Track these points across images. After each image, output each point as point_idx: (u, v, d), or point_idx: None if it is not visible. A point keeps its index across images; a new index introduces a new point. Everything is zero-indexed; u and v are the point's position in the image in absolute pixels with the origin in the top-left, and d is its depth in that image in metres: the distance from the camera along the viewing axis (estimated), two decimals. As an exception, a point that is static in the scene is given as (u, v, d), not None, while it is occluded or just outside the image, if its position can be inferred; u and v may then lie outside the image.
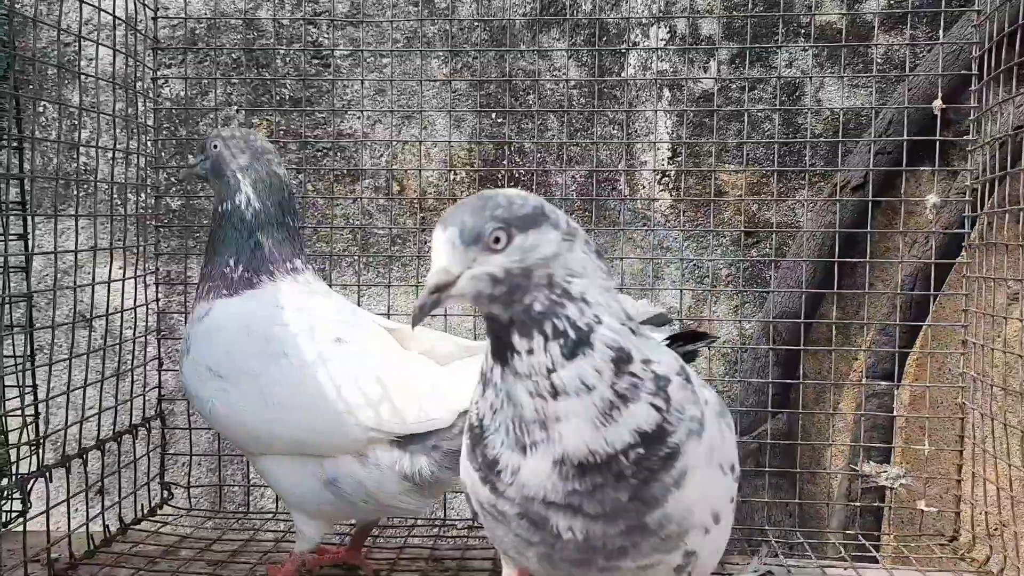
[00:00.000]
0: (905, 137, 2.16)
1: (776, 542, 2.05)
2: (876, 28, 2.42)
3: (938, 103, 2.09)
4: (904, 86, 2.31)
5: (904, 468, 2.15)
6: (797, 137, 2.43)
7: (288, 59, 2.57)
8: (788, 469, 2.31)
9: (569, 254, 1.00)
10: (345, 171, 2.55)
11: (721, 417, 1.13)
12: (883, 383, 2.30)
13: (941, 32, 2.24)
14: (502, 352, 1.01)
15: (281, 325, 1.62)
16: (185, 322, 2.44)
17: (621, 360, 0.99)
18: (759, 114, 2.44)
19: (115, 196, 2.10)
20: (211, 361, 1.64)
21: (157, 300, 2.29)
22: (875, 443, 2.28)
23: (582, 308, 0.99)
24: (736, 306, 2.48)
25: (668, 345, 1.37)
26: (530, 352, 0.98)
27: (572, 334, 0.98)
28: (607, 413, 0.98)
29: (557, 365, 0.97)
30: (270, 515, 2.21)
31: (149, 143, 2.50)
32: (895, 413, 2.27)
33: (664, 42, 2.48)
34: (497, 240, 0.96)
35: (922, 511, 2.10)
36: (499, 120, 2.52)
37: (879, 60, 2.43)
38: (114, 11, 1.99)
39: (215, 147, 1.81)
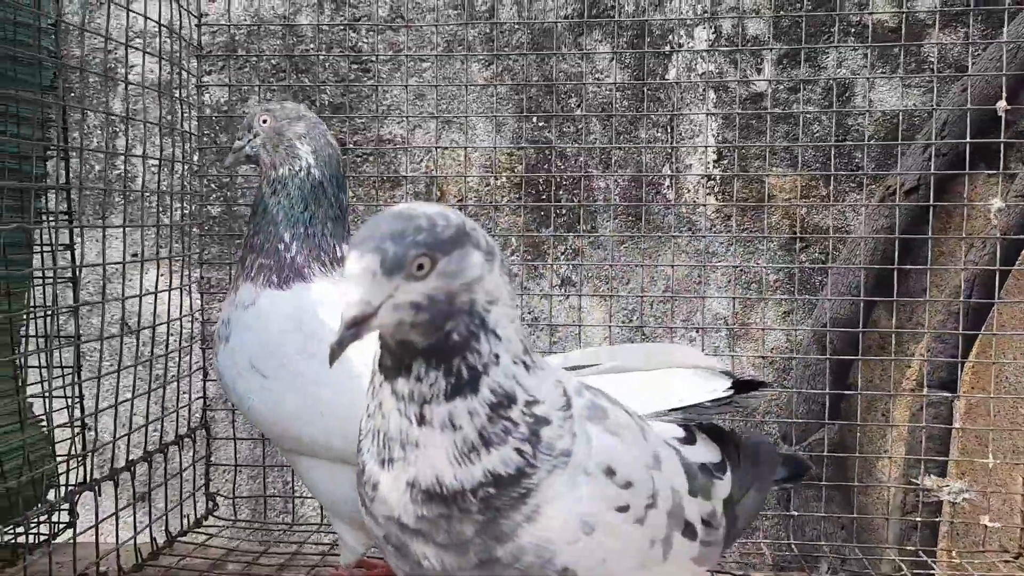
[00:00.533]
0: (968, 140, 2.08)
1: (832, 557, 1.99)
2: (934, 26, 2.35)
3: (1002, 104, 2.02)
4: (958, 86, 2.25)
5: (967, 482, 2.09)
6: (847, 139, 2.37)
7: (328, 64, 2.55)
8: (842, 483, 2.26)
9: (489, 276, 0.95)
10: (385, 177, 2.53)
11: (654, 467, 1.07)
12: (940, 393, 2.23)
13: (1004, 30, 2.16)
14: (395, 368, 0.96)
15: (329, 327, 1.57)
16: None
17: (501, 405, 0.96)
18: (808, 116, 2.39)
19: (159, 204, 2.10)
20: (252, 355, 1.59)
21: (202, 310, 2.28)
22: (931, 454, 2.22)
23: (490, 343, 0.95)
24: (785, 313, 2.42)
25: (726, 397, 1.32)
26: (418, 379, 0.95)
27: (465, 375, 0.94)
28: (465, 453, 0.95)
29: (434, 399, 0.94)
30: (315, 526, 2.19)
31: (191, 150, 2.50)
32: (955, 424, 2.20)
33: (709, 43, 2.43)
34: (420, 267, 0.90)
35: (985, 526, 2.03)
36: (541, 124, 2.49)
37: (932, 59, 2.37)
38: (159, 18, 1.98)
39: (264, 121, 1.72)
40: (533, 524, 0.96)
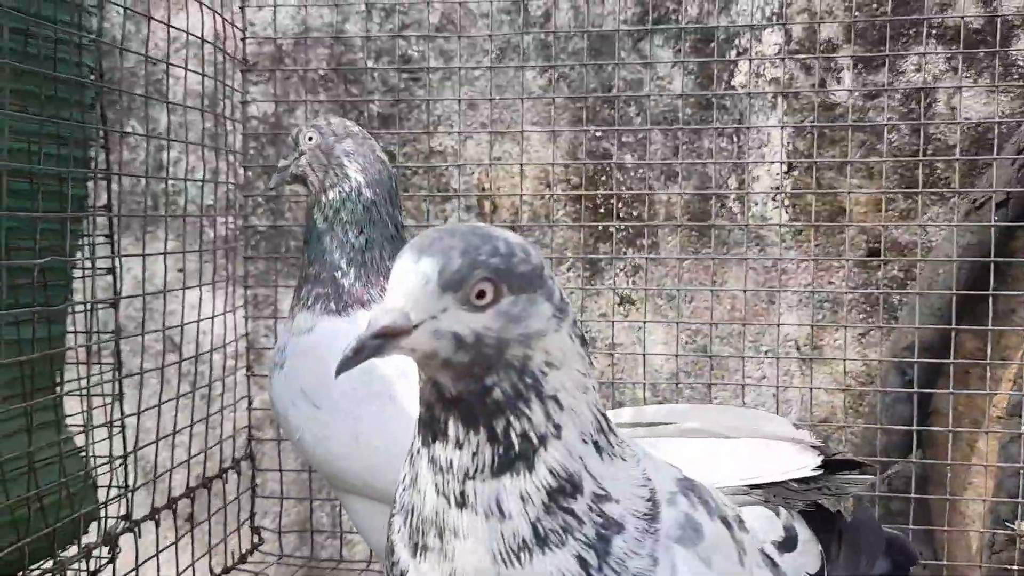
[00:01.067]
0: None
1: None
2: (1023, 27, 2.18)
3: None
4: (1054, 91, 2.07)
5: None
6: (929, 148, 2.21)
7: (376, 74, 2.46)
8: (926, 527, 2.09)
9: (555, 335, 0.79)
10: (435, 190, 2.43)
11: None
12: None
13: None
14: (430, 426, 0.80)
15: (390, 363, 1.47)
16: (274, 338, 2.37)
17: (563, 492, 0.78)
18: (885, 124, 2.23)
19: (201, 222, 2.02)
20: (306, 385, 1.51)
21: (247, 335, 2.21)
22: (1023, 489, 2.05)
23: (548, 411, 0.78)
24: (860, 334, 2.27)
25: (814, 477, 1.17)
26: (458, 445, 0.78)
27: (516, 444, 0.77)
28: (515, 552, 0.77)
29: (478, 474, 0.77)
30: (363, 563, 2.10)
31: (238, 165, 2.43)
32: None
33: (779, 48, 2.29)
34: (481, 295, 0.75)
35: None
36: (599, 134, 2.37)
37: (1022, 63, 2.19)
38: (203, 31, 1.90)
39: (310, 139, 1.65)
40: None
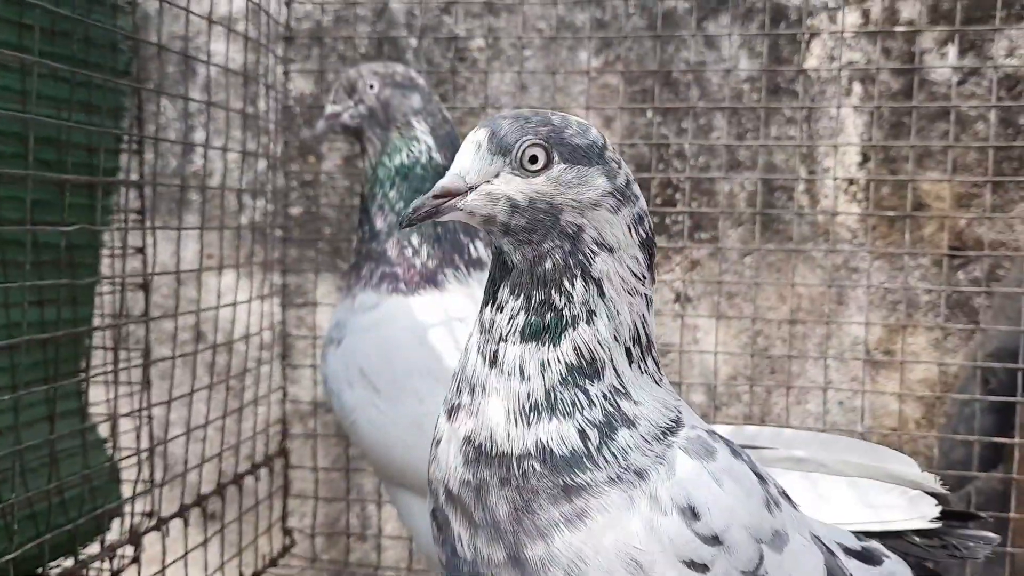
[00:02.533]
0: None
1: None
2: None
3: None
4: None
5: None
6: (1018, 140, 2.05)
7: (421, 53, 2.33)
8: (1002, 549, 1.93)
9: (610, 215, 0.84)
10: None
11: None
12: None
13: None
14: (488, 292, 0.87)
15: (458, 347, 1.33)
16: (311, 335, 2.24)
17: (581, 371, 0.84)
18: (971, 112, 2.07)
19: (240, 201, 1.90)
20: (367, 364, 1.38)
21: (283, 323, 2.08)
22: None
23: (588, 295, 0.83)
24: (937, 339, 2.10)
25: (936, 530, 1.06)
26: (500, 308, 0.85)
27: (547, 317, 0.83)
28: (526, 411, 0.83)
29: (510, 336, 0.84)
30: (402, 571, 1.97)
31: (273, 144, 2.30)
32: None
33: (855, 27, 2.13)
34: (533, 160, 0.82)
35: None
36: (657, 119, 2.22)
37: (1122, 48, 2.02)
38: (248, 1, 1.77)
39: (371, 86, 1.47)
40: (573, 530, 0.81)
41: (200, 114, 2.24)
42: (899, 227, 2.11)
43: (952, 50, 2.08)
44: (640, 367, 0.87)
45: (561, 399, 0.83)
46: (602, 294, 0.84)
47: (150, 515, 1.58)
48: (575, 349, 0.83)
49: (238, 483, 1.75)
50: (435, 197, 0.82)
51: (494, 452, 0.83)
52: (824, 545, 0.95)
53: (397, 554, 2.20)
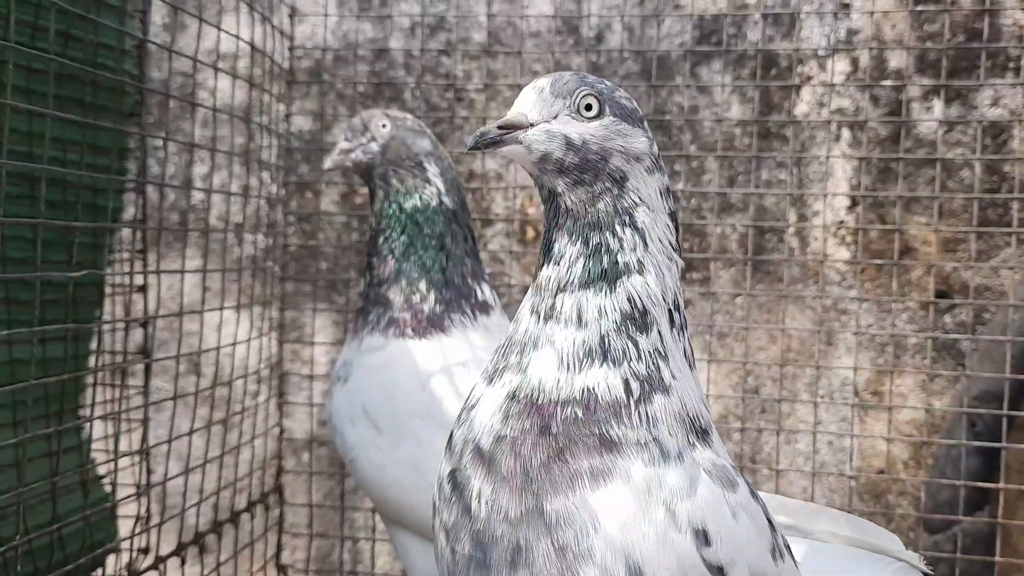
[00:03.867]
0: None
1: None
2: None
3: None
4: None
5: None
6: (1003, 187, 2.10)
7: (419, 92, 2.37)
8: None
9: (647, 175, 0.91)
10: (476, 214, 2.32)
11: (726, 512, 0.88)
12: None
13: None
14: (543, 253, 0.91)
15: (460, 393, 1.34)
16: (312, 373, 2.26)
17: (634, 321, 0.87)
18: (957, 160, 2.12)
19: (239, 237, 1.93)
20: (370, 403, 1.40)
21: (280, 361, 2.10)
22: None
23: (636, 243, 0.89)
24: (924, 382, 2.14)
25: None
26: (557, 262, 0.89)
27: (604, 261, 0.88)
28: (580, 357, 0.86)
29: (568, 286, 0.88)
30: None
31: (271, 181, 2.34)
32: None
33: (844, 76, 2.19)
34: (589, 107, 0.89)
35: None
36: (651, 162, 2.26)
37: (1102, 99, 2.08)
38: (252, 41, 1.82)
39: (384, 126, 1.49)
40: (594, 488, 0.83)
41: (201, 149, 2.27)
42: (887, 271, 2.15)
43: (938, 101, 2.13)
44: (679, 339, 0.91)
45: (613, 346, 0.86)
46: (647, 248, 0.89)
47: (146, 551, 1.59)
48: (628, 298, 0.87)
49: (234, 520, 1.76)
50: (499, 128, 0.87)
51: (541, 400, 0.86)
52: None
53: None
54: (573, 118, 0.88)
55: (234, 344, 1.80)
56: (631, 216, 0.89)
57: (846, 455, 2.16)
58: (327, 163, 1.56)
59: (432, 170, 1.46)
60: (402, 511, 1.36)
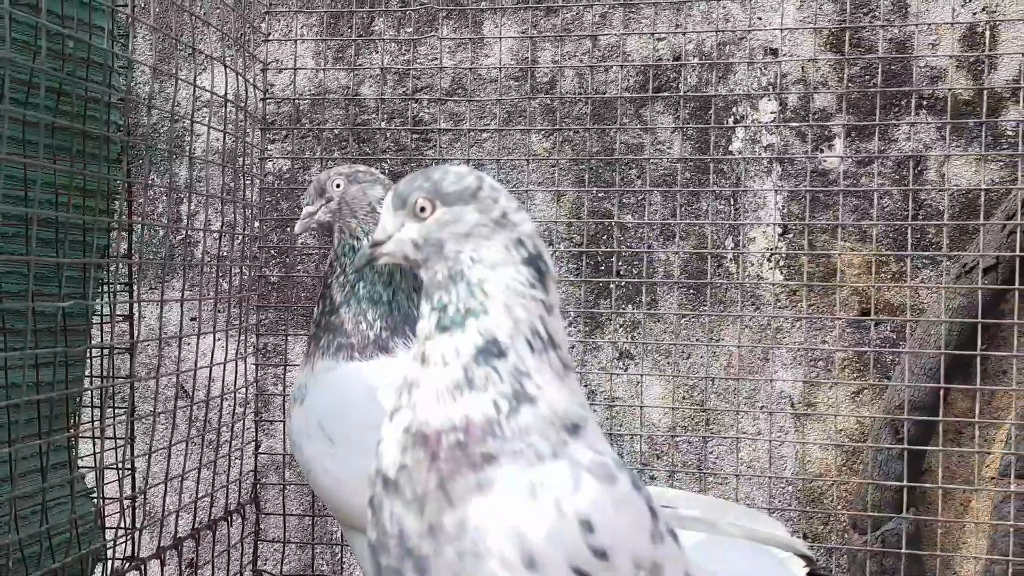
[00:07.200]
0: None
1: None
2: (1012, 99, 2.27)
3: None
4: (1040, 160, 2.15)
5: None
6: (920, 214, 2.29)
7: (389, 135, 2.57)
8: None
9: (484, 240, 1.05)
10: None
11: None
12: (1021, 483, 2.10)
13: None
14: (418, 309, 1.09)
15: None
16: (283, 392, 2.43)
17: (489, 352, 1.02)
18: (878, 190, 2.31)
19: (218, 271, 2.11)
20: (324, 419, 1.55)
21: (256, 382, 2.27)
22: (1019, 550, 2.07)
23: (472, 291, 1.04)
24: (854, 393, 2.31)
25: None
26: (424, 316, 1.06)
27: (450, 310, 1.04)
28: (450, 390, 1.01)
29: (432, 334, 1.04)
30: (361, 608, 2.13)
31: (252, 218, 2.53)
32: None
33: (774, 116, 2.38)
34: (423, 209, 1.06)
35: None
36: (601, 195, 2.46)
37: (1010, 132, 2.28)
38: (225, 93, 2.01)
39: (338, 185, 1.67)
40: (483, 495, 0.97)
41: (186, 189, 2.46)
42: (817, 292, 2.33)
43: (858, 137, 2.32)
44: (543, 357, 1.04)
45: (476, 375, 1.01)
46: (486, 294, 1.04)
47: (131, 559, 1.75)
48: (479, 333, 1.02)
49: (213, 528, 1.92)
50: (372, 247, 1.10)
51: (427, 431, 1.00)
52: None
53: (362, 598, 2.36)
54: (413, 222, 1.07)
55: (210, 367, 1.97)
56: (464, 275, 1.05)
57: (785, 462, 2.32)
58: (296, 228, 1.75)
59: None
60: (353, 515, 1.51)
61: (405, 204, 1.07)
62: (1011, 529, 2.04)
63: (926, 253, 2.27)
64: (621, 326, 2.44)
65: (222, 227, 2.07)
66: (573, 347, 2.43)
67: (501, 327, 1.03)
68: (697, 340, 2.38)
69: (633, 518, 1.02)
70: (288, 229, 2.60)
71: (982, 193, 2.22)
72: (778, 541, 1.34)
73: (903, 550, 2.13)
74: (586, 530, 0.97)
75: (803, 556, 1.32)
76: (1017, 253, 2.11)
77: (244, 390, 2.22)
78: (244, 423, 2.17)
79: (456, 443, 0.99)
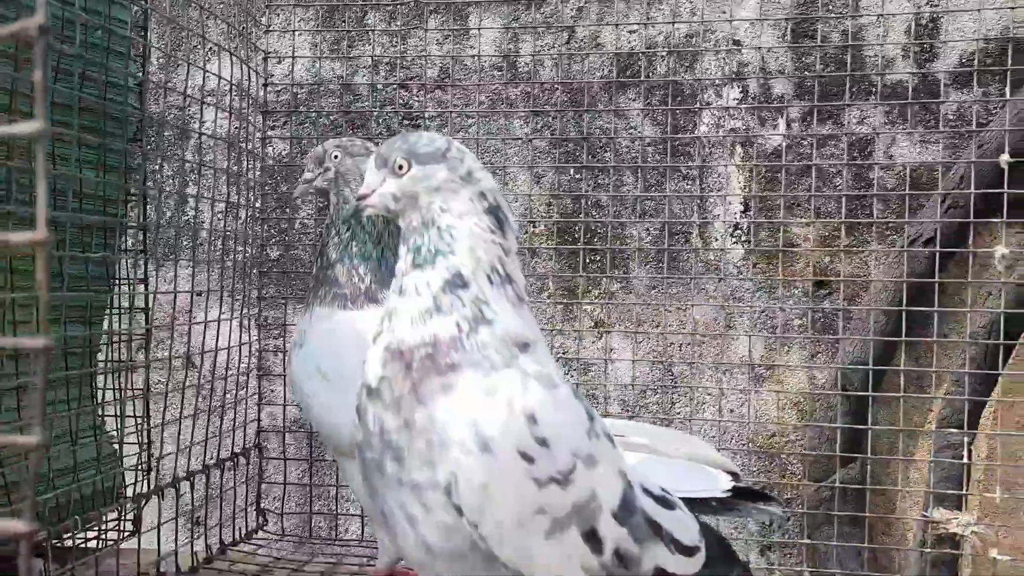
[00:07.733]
0: (972, 191, 2.20)
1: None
2: (953, 86, 2.48)
3: (1005, 157, 2.13)
4: (975, 142, 2.36)
5: (975, 515, 2.15)
6: (869, 191, 2.49)
7: (381, 120, 2.77)
8: (859, 514, 2.33)
9: (453, 194, 1.25)
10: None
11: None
12: (956, 432, 2.31)
13: (1007, 90, 2.28)
14: (396, 251, 1.29)
15: None
16: (284, 348, 2.64)
17: (454, 284, 1.21)
18: (830, 169, 2.52)
19: (223, 246, 2.31)
20: (322, 361, 1.75)
21: (259, 340, 2.48)
22: (949, 492, 2.28)
23: (442, 237, 1.23)
24: (810, 355, 2.52)
25: (727, 500, 1.45)
26: (400, 257, 1.25)
27: (422, 252, 1.23)
28: (422, 315, 1.20)
29: (409, 270, 1.23)
30: (356, 541, 2.34)
31: (255, 197, 2.73)
32: (965, 461, 2.27)
33: (737, 101, 2.59)
34: (401, 167, 1.25)
35: (995, 559, 2.09)
36: (577, 176, 2.66)
37: (951, 116, 2.49)
38: (231, 79, 2.21)
39: (335, 157, 1.87)
40: (447, 395, 1.16)
41: (193, 172, 2.66)
42: (775, 263, 2.54)
43: (813, 120, 2.53)
44: (500, 290, 1.24)
45: (444, 303, 1.20)
46: (453, 237, 1.23)
47: (150, 491, 1.95)
48: (446, 268, 1.22)
49: (220, 466, 2.12)
50: (357, 200, 1.32)
51: (403, 348, 1.20)
52: (628, 480, 1.29)
53: (356, 528, 2.56)
54: (393, 178, 1.26)
55: (218, 321, 2.17)
56: (435, 222, 1.25)
57: (745, 420, 2.53)
58: (296, 192, 1.96)
59: None
60: (345, 442, 1.72)
61: (386, 163, 1.26)
62: (936, 471, 2.24)
63: (867, 221, 2.48)
64: (596, 296, 2.64)
65: (227, 203, 2.27)
66: (552, 317, 2.63)
67: (465, 264, 1.22)
68: (666, 309, 2.58)
69: (571, 416, 1.24)
70: (287, 209, 2.81)
71: (925, 169, 2.43)
72: (711, 460, 1.55)
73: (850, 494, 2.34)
74: (531, 422, 1.18)
75: (731, 473, 1.53)
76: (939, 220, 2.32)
77: (248, 353, 2.43)
78: (249, 381, 2.37)
79: (426, 355, 1.19)
